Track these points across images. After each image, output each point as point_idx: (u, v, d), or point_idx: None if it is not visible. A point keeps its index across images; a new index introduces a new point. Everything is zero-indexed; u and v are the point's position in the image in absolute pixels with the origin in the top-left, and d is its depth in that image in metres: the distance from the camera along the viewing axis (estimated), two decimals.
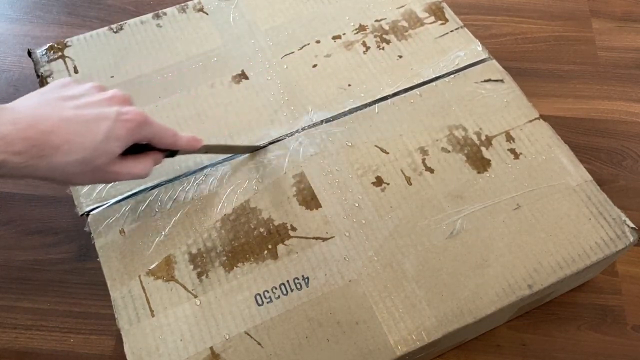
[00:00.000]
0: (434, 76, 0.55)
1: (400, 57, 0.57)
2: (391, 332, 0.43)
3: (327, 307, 0.44)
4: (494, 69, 0.56)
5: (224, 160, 0.50)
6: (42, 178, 0.35)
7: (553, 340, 0.56)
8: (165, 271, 0.45)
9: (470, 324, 0.44)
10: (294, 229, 0.47)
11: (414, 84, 0.55)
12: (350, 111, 0.53)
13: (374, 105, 0.53)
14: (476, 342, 0.55)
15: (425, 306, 0.44)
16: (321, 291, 0.44)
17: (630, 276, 0.59)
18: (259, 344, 0.43)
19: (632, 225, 0.47)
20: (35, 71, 0.56)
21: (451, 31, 0.58)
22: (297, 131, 0.52)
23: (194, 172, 0.50)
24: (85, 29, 0.61)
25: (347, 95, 0.54)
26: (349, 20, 0.59)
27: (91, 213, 0.48)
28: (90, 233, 0.47)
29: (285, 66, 0.56)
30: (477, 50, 0.57)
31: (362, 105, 0.53)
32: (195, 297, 0.44)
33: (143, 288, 0.45)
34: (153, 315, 0.44)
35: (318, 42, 0.58)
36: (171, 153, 0.42)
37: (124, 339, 0.43)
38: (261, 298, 0.44)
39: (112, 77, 0.55)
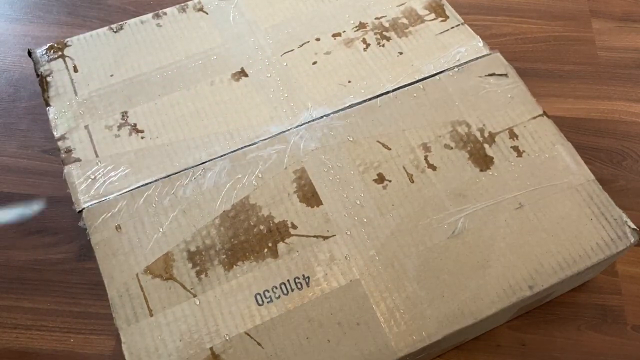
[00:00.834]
0: (434, 72, 0.55)
1: (401, 53, 0.56)
2: (392, 333, 0.43)
3: (328, 307, 0.44)
4: (499, 62, 0.55)
5: (223, 154, 0.50)
6: None
7: (553, 340, 0.55)
8: (164, 269, 0.45)
9: (471, 325, 0.43)
10: (294, 226, 0.47)
11: (414, 80, 0.54)
12: (351, 107, 0.53)
13: (376, 99, 0.53)
14: (476, 342, 0.55)
15: (426, 307, 0.44)
16: (322, 291, 0.44)
17: (630, 276, 0.59)
18: (259, 344, 0.42)
19: (633, 226, 0.47)
20: (35, 71, 0.56)
21: (452, 28, 0.58)
22: (297, 126, 0.52)
23: (192, 167, 0.50)
24: (85, 29, 0.61)
25: (347, 92, 0.54)
26: (348, 18, 0.59)
27: (86, 208, 0.47)
28: (86, 229, 0.47)
29: (285, 64, 0.56)
30: (478, 46, 0.56)
31: (362, 101, 0.53)
32: (195, 296, 0.44)
33: (141, 286, 0.44)
34: (152, 315, 0.43)
35: (318, 39, 0.58)
36: None
37: (122, 339, 0.42)
38: (261, 298, 0.44)
39: (111, 75, 0.55)
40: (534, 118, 0.52)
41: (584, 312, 0.57)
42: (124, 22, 0.59)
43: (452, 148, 0.51)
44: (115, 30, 0.59)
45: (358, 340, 0.43)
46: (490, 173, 0.49)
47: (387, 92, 0.54)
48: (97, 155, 0.50)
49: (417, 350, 0.42)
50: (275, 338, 0.43)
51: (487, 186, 0.49)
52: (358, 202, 0.48)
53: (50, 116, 0.53)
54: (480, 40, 0.57)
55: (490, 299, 0.44)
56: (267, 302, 0.44)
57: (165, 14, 0.60)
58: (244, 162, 0.50)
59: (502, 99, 0.53)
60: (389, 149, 0.50)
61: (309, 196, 0.48)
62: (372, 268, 0.45)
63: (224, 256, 0.45)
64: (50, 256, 0.60)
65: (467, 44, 0.57)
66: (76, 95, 0.54)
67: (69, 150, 0.50)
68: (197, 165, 0.50)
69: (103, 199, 0.48)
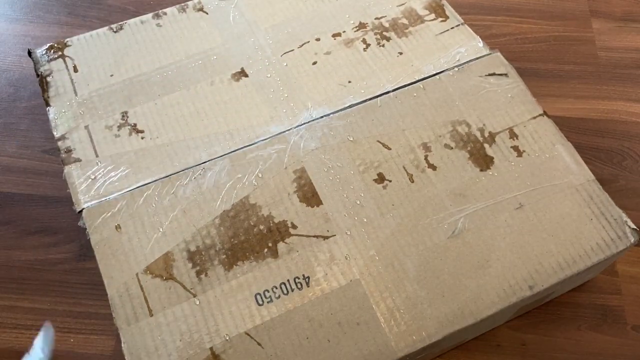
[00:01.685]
0: (434, 72, 0.55)
1: (401, 53, 0.56)
2: (392, 333, 0.43)
3: (328, 307, 0.44)
4: (499, 62, 0.55)
5: (223, 154, 0.50)
6: None
7: (553, 340, 0.55)
8: (164, 269, 0.45)
9: (471, 325, 0.43)
10: (294, 226, 0.47)
11: (414, 80, 0.54)
12: (351, 107, 0.53)
13: (376, 99, 0.53)
14: (476, 342, 0.55)
15: (426, 307, 0.44)
16: (322, 291, 0.44)
17: (630, 276, 0.59)
18: (259, 344, 0.42)
19: (633, 226, 0.47)
20: (35, 71, 0.56)
21: (452, 28, 0.58)
22: (297, 126, 0.52)
23: (192, 167, 0.50)
24: (85, 29, 0.61)
25: (347, 92, 0.54)
26: (348, 18, 0.59)
27: (86, 208, 0.47)
28: (86, 229, 0.47)
29: (285, 64, 0.56)
30: (477, 46, 0.56)
31: (362, 101, 0.53)
32: (194, 296, 0.44)
33: (141, 286, 0.44)
34: (152, 315, 0.43)
35: (318, 39, 0.58)
36: None
37: (122, 339, 0.42)
38: (261, 297, 0.44)
39: (111, 75, 0.55)
40: (534, 118, 0.52)
41: (584, 312, 0.57)
42: (124, 22, 0.59)
43: (452, 148, 0.51)
44: (115, 30, 0.59)
45: (358, 340, 0.43)
46: (491, 173, 0.49)
47: (387, 92, 0.54)
48: (97, 155, 0.50)
49: (417, 350, 0.42)
50: (275, 338, 0.43)
51: (487, 186, 0.49)
52: (358, 202, 0.48)
53: (50, 116, 0.53)
54: (480, 40, 0.57)
55: (490, 299, 0.44)
56: (267, 302, 0.44)
57: (165, 14, 0.60)
58: (244, 162, 0.50)
59: (502, 99, 0.53)
60: (389, 148, 0.50)
61: (309, 196, 0.48)
62: (372, 268, 0.45)
63: (224, 256, 0.45)
64: (50, 256, 0.60)
65: (467, 44, 0.57)
66: (76, 95, 0.54)
67: (69, 150, 0.50)
68: (197, 165, 0.50)
69: (103, 199, 0.48)
